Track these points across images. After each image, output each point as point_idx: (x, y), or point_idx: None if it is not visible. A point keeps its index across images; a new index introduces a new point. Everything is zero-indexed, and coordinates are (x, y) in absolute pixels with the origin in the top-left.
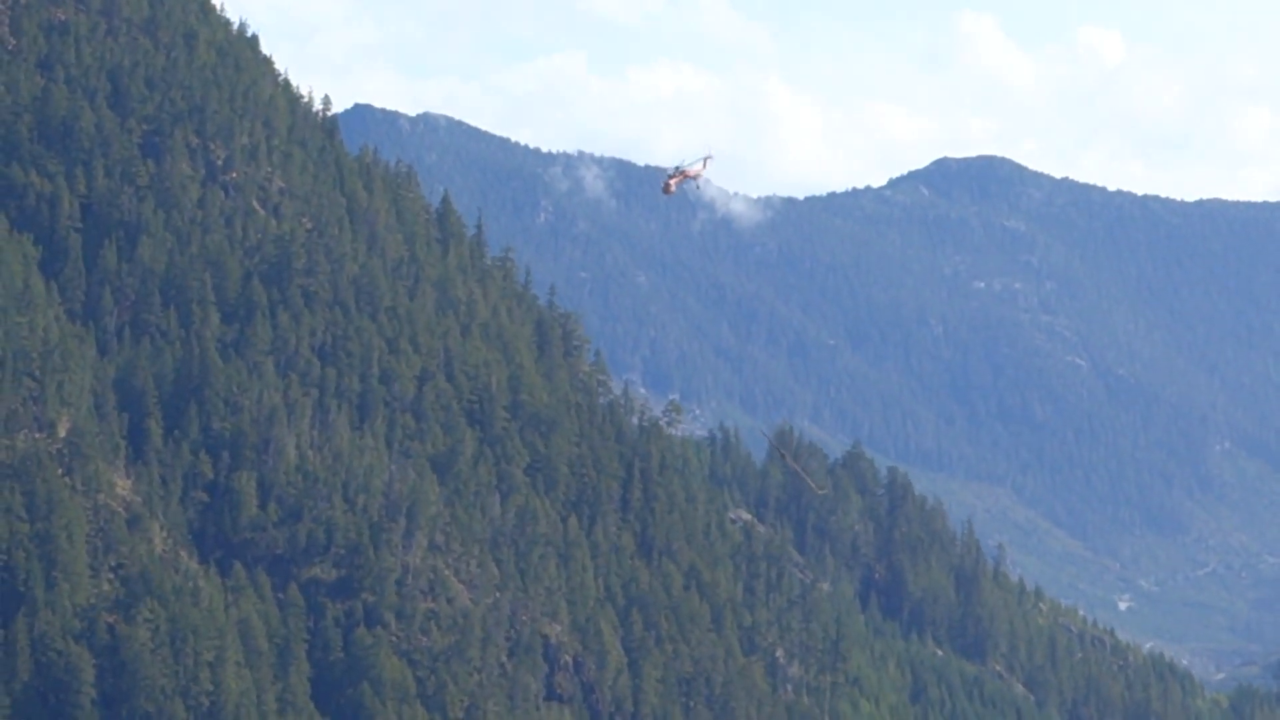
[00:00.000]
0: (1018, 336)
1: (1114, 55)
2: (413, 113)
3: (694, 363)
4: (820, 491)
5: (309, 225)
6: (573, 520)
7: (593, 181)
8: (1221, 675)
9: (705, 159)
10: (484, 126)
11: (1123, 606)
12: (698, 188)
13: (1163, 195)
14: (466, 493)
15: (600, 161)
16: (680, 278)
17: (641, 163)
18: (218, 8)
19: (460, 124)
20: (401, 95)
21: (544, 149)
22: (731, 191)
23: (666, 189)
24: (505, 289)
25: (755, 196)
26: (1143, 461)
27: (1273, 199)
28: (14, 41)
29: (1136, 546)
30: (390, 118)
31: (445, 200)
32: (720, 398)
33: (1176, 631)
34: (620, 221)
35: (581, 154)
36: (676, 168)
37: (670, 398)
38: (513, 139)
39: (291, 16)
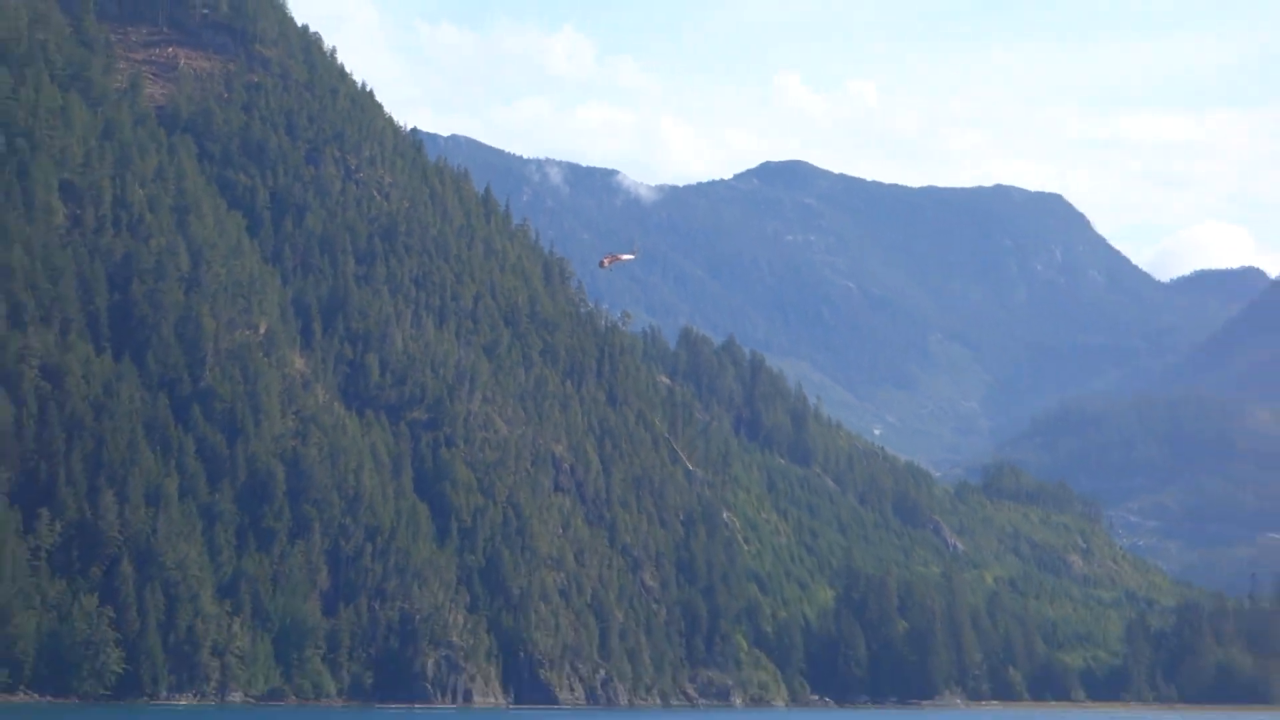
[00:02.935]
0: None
1: None
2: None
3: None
4: (634, 253)
5: (406, 204)
6: (569, 383)
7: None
8: (939, 474)
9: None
10: None
11: (877, 433)
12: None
13: None
14: (504, 367)
15: None
16: None
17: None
18: (351, 74)
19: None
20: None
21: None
22: None
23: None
24: (505, 232)
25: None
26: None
27: None
28: (227, 94)
29: (883, 396)
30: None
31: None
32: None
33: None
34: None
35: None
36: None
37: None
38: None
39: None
